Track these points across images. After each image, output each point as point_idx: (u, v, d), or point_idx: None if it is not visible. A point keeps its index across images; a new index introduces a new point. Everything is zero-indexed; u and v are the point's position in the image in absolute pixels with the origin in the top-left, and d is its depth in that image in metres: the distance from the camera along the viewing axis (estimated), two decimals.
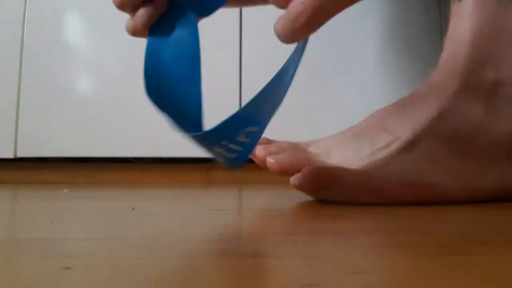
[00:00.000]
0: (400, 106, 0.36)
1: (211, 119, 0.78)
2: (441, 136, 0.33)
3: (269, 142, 0.35)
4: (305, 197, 0.36)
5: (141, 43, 0.84)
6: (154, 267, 0.13)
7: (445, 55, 0.36)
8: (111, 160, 0.78)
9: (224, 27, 0.77)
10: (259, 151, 0.33)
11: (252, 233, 0.21)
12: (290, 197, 0.37)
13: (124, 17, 0.80)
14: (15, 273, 0.12)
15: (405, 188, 0.31)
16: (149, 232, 0.20)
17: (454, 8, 0.36)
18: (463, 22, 0.35)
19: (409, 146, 0.33)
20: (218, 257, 0.14)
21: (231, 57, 0.77)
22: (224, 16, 0.78)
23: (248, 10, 0.77)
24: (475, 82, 0.34)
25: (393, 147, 0.33)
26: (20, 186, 0.66)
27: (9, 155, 0.73)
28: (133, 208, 0.30)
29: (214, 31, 0.77)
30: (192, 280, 0.12)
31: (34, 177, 0.77)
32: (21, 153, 0.74)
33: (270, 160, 0.32)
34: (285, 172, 0.32)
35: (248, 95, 0.79)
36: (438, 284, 0.11)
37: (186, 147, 0.79)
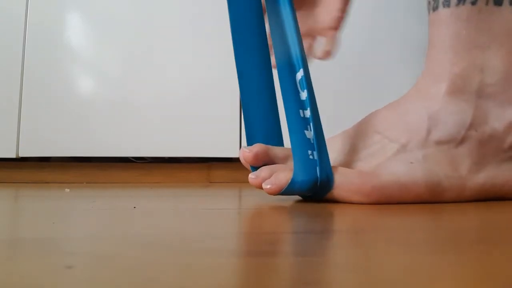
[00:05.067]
0: (391, 109, 0.36)
1: (211, 120, 0.78)
2: (433, 137, 0.34)
3: (265, 150, 0.35)
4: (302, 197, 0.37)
5: (141, 44, 0.84)
6: (155, 266, 0.13)
7: (428, 62, 0.37)
8: (112, 160, 0.78)
9: (224, 26, 0.77)
10: (252, 180, 0.34)
11: (252, 232, 0.21)
12: (290, 196, 0.38)
13: (124, 19, 0.81)
14: (16, 272, 0.12)
15: (402, 188, 0.32)
16: (150, 231, 0.21)
17: (431, 18, 0.37)
18: (442, 30, 0.36)
19: (404, 148, 0.33)
20: (218, 256, 0.15)
21: (231, 57, 0.77)
22: (224, 14, 0.78)
23: None
24: (461, 85, 0.34)
25: (388, 149, 0.34)
26: (22, 185, 0.66)
27: (12, 155, 0.74)
28: (134, 207, 0.31)
29: (214, 29, 0.77)
30: (193, 279, 0.12)
31: (36, 176, 0.78)
32: (23, 153, 0.74)
33: (266, 186, 0.33)
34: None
35: None
36: (436, 282, 0.11)
37: (187, 147, 0.79)
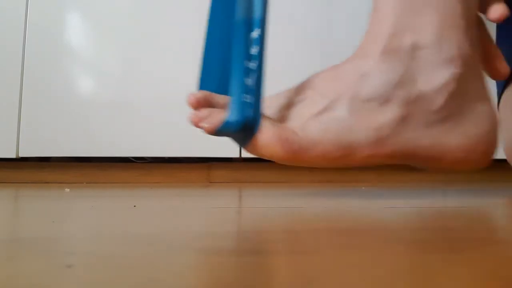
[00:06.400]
0: (331, 69, 0.38)
1: None
2: (363, 94, 0.35)
3: (208, 96, 0.37)
4: (302, 197, 0.36)
5: (141, 44, 0.84)
6: (155, 265, 0.13)
7: (371, 25, 0.38)
8: (112, 160, 0.78)
9: None
10: (190, 117, 0.35)
11: (252, 231, 0.21)
12: (289, 196, 0.38)
13: (124, 19, 0.81)
14: (17, 271, 0.12)
15: (317, 147, 0.33)
16: (150, 230, 0.21)
17: None
18: None
19: (333, 103, 0.34)
20: (218, 255, 0.15)
21: None
22: None
23: None
24: (395, 46, 0.35)
25: (317, 105, 0.35)
26: (22, 185, 0.66)
27: (12, 155, 0.74)
28: (134, 206, 0.31)
29: None
30: (193, 277, 0.12)
31: (36, 176, 0.78)
32: (23, 153, 0.74)
33: (202, 125, 0.34)
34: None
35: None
36: (438, 281, 0.11)
37: (187, 147, 0.79)
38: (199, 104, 0.36)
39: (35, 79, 0.76)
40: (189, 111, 0.37)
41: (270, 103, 0.36)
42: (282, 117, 0.36)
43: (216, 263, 0.13)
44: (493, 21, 0.37)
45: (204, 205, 0.32)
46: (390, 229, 0.21)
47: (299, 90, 0.37)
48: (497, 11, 0.37)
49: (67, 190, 0.51)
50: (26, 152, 0.74)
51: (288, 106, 0.36)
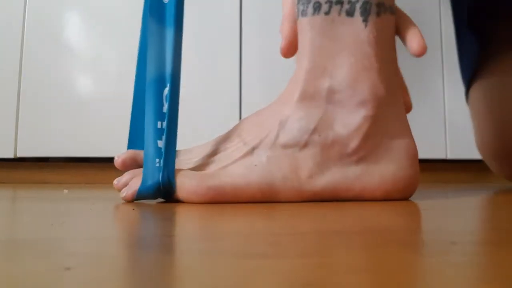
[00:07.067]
0: (256, 115, 0.39)
1: (211, 120, 0.78)
2: (280, 141, 0.36)
3: (133, 156, 0.38)
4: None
5: None
6: (155, 267, 0.13)
7: (296, 68, 0.39)
8: (111, 161, 0.78)
9: (224, 27, 0.77)
10: (115, 185, 0.37)
11: (251, 233, 0.21)
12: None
13: (123, 18, 0.81)
14: (15, 273, 0.12)
15: (236, 189, 0.34)
16: (149, 232, 0.21)
17: (298, 26, 0.39)
18: (301, 39, 0.38)
19: (253, 150, 0.36)
20: (218, 257, 0.14)
21: (231, 57, 0.77)
22: (224, 15, 0.78)
23: (248, 9, 0.78)
24: (312, 90, 0.36)
25: (239, 152, 0.36)
26: (20, 186, 0.66)
27: (9, 155, 0.74)
28: (133, 209, 0.31)
29: (214, 30, 0.77)
30: (192, 280, 0.12)
31: (34, 177, 0.77)
32: (21, 153, 0.74)
33: (122, 195, 0.36)
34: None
35: (248, 96, 0.80)
36: (435, 284, 0.11)
37: (186, 147, 0.79)
38: (125, 166, 0.38)
39: (33, 79, 0.75)
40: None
41: (195, 154, 0.38)
42: (204, 164, 0.37)
43: (216, 265, 0.13)
44: (415, 55, 0.37)
45: (201, 207, 0.32)
46: (390, 230, 0.21)
47: (227, 137, 0.38)
48: (418, 45, 0.37)
49: (66, 191, 0.51)
50: (24, 152, 0.74)
51: (213, 154, 0.37)
